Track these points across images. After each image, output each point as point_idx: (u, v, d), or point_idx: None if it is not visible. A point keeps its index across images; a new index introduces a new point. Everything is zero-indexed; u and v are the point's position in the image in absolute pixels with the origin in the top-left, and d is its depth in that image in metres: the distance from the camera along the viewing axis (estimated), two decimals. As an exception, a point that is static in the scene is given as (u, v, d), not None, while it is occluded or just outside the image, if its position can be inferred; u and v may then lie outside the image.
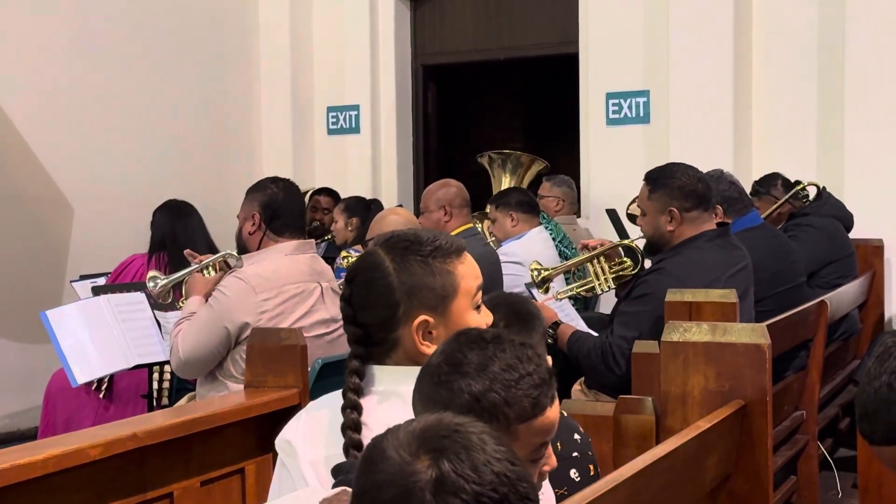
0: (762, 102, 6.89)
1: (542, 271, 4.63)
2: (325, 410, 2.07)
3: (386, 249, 2.10)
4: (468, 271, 2.12)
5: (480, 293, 2.15)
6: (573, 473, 2.41)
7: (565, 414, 2.55)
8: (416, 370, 1.85)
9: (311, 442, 2.04)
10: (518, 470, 1.39)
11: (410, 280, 2.05)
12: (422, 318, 2.05)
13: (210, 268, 4.40)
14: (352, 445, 1.95)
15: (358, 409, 2.00)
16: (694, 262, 3.90)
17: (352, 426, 1.97)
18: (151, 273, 4.49)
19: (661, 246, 4.07)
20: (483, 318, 2.15)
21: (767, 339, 2.56)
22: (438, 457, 1.36)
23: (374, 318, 2.07)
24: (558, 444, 2.43)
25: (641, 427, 2.65)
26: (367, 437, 1.88)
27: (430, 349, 2.02)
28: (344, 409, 1.99)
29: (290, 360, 2.93)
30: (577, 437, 2.48)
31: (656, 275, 3.92)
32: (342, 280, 4.73)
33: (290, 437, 2.06)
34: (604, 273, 4.49)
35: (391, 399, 2.03)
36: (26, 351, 6.64)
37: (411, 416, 1.73)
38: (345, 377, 2.06)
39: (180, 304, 4.44)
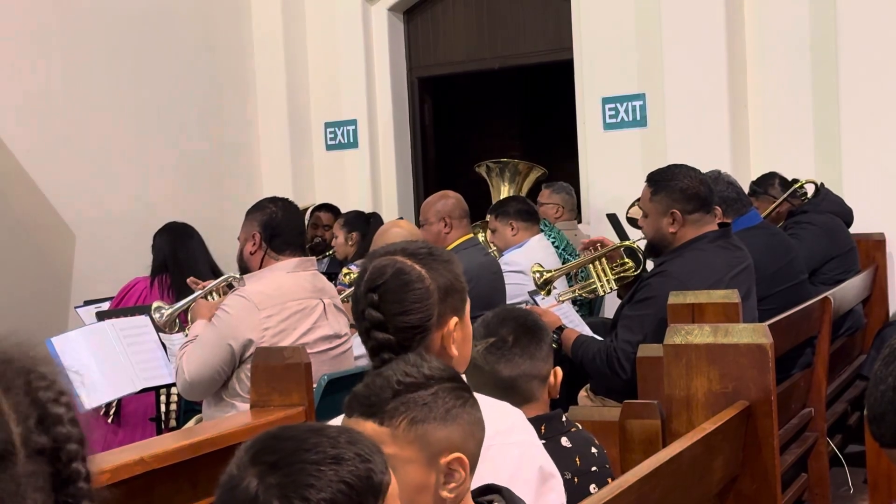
0: (757, 101, 6.90)
1: (544, 273, 4.64)
2: None
3: (407, 256, 2.15)
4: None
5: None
6: (592, 488, 2.41)
7: (580, 427, 2.55)
8: None
9: None
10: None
11: (444, 283, 2.12)
12: (454, 320, 2.12)
13: (214, 292, 4.42)
14: None
15: None
16: (696, 263, 3.91)
17: None
18: (156, 304, 4.51)
19: (662, 247, 4.08)
20: None
21: (769, 338, 2.56)
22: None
23: (412, 322, 2.10)
24: (577, 458, 2.43)
25: (647, 431, 2.65)
26: None
27: (455, 352, 2.12)
28: None
29: (294, 379, 2.93)
30: (594, 450, 2.48)
31: (659, 277, 3.93)
32: (348, 292, 4.76)
33: None
34: (605, 274, 4.50)
35: None
36: (33, 378, 6.63)
37: None
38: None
39: (187, 330, 4.45)
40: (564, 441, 2.46)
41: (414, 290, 2.11)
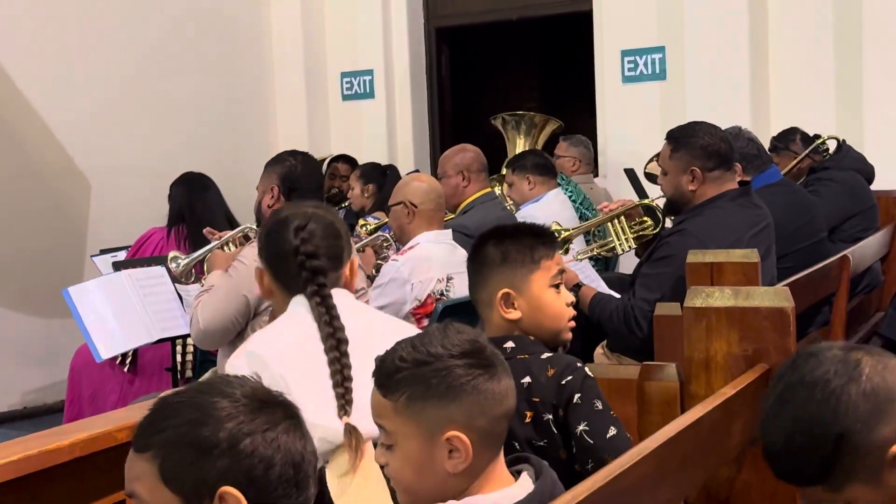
0: (779, 56, 6.82)
1: (562, 232, 4.61)
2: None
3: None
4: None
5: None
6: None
7: (531, 356, 2.49)
8: None
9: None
10: None
11: None
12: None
13: (230, 243, 4.40)
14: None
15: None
16: (716, 222, 3.87)
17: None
18: (173, 253, 4.50)
19: (682, 206, 4.04)
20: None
21: (791, 301, 2.54)
22: None
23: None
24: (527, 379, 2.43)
25: (665, 393, 2.64)
26: None
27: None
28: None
29: (311, 335, 2.92)
30: (526, 380, 2.42)
31: (678, 236, 3.89)
32: (364, 241, 4.77)
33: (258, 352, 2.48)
34: (624, 233, 4.47)
35: None
36: (49, 326, 6.68)
37: None
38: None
39: (203, 280, 4.45)
40: None
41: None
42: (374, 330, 2.57)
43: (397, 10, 8.26)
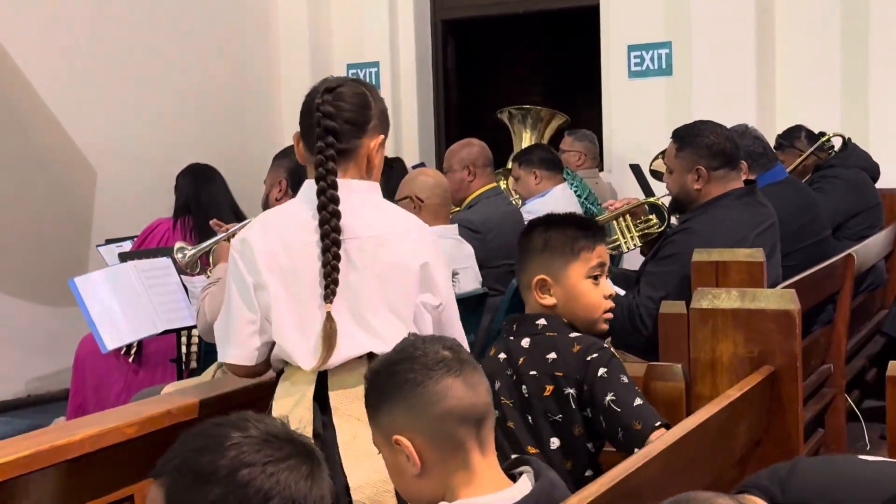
0: (786, 52, 6.82)
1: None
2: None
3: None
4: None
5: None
6: (523, 389, 2.51)
7: (557, 335, 2.56)
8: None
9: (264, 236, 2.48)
10: None
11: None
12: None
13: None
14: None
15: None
16: (721, 221, 3.88)
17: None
18: (179, 244, 4.49)
19: (687, 204, 4.05)
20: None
21: (797, 304, 2.55)
22: None
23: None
24: (521, 358, 2.53)
25: (671, 394, 2.66)
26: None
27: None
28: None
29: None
30: (551, 356, 2.50)
31: (683, 234, 3.90)
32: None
33: (246, 235, 2.52)
34: (629, 230, 4.48)
35: None
36: (54, 314, 6.69)
37: None
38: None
39: (209, 272, 4.46)
40: (525, 342, 2.55)
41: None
42: (388, 234, 2.53)
43: (403, 2, 8.26)
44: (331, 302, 2.42)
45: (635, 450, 2.38)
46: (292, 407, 2.45)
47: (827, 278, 4.28)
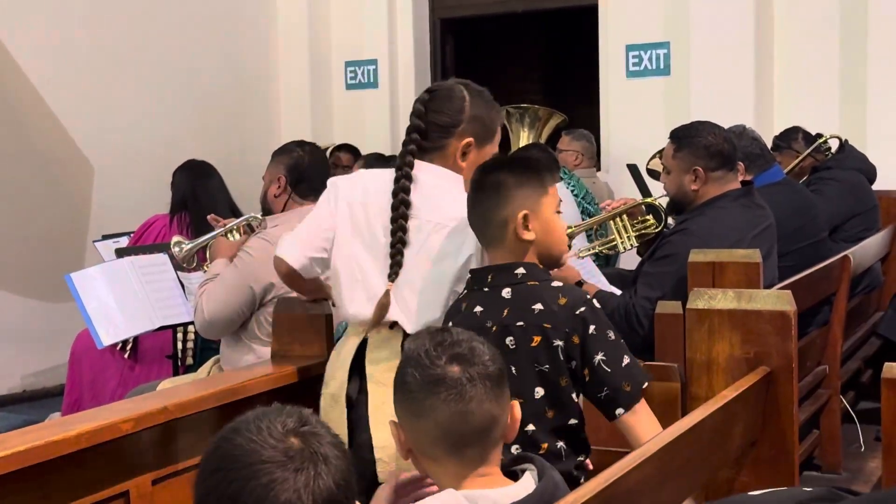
0: (784, 53, 6.82)
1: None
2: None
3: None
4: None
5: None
6: (508, 341, 2.51)
7: (541, 283, 2.57)
8: None
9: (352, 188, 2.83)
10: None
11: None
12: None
13: (234, 231, 4.42)
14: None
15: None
16: (718, 222, 3.88)
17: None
18: (176, 238, 4.51)
19: (684, 205, 4.05)
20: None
21: (793, 305, 2.56)
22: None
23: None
24: (506, 310, 2.53)
25: (667, 394, 2.67)
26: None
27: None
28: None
29: (316, 330, 2.95)
30: (537, 306, 2.50)
31: (680, 235, 3.90)
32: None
33: (338, 180, 2.91)
34: (626, 230, 4.47)
35: None
36: (51, 309, 6.69)
37: None
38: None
39: (205, 267, 4.46)
40: (505, 292, 2.53)
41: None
42: (447, 222, 2.74)
43: (402, 0, 8.25)
44: (393, 281, 2.71)
45: (618, 411, 2.47)
46: (334, 372, 2.77)
47: (823, 280, 4.29)
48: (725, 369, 2.58)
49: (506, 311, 2.52)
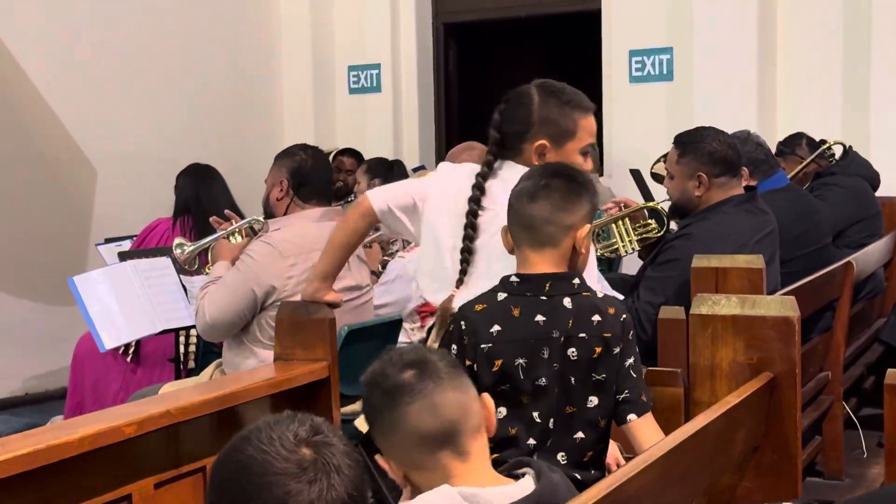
0: (787, 59, 6.82)
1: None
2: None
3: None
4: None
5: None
6: (570, 352, 2.52)
7: (595, 292, 2.60)
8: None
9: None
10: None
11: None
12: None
13: (236, 234, 4.42)
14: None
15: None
16: (721, 227, 3.88)
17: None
18: (178, 240, 4.51)
19: (687, 210, 4.05)
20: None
21: (797, 311, 2.56)
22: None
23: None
24: (571, 321, 2.51)
25: (671, 399, 2.67)
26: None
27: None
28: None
29: (319, 333, 2.95)
30: (596, 318, 2.52)
31: (683, 240, 3.90)
32: (373, 237, 4.80)
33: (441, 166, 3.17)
34: (628, 234, 4.48)
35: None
36: (53, 312, 6.69)
37: None
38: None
39: (207, 269, 4.46)
40: (566, 301, 2.52)
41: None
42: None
43: (405, 4, 8.26)
44: (458, 287, 2.84)
45: (629, 416, 2.50)
46: None
47: (826, 285, 4.29)
48: (728, 375, 2.58)
49: (570, 321, 2.51)
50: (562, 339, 2.49)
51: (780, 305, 2.57)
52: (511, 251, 2.65)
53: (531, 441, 2.47)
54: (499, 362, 2.47)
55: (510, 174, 2.84)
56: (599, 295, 2.59)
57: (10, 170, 6.69)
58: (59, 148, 6.99)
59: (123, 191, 7.15)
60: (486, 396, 1.99)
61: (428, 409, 1.87)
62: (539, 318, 2.51)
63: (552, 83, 3.02)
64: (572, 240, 2.55)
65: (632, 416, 2.51)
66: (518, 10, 8.21)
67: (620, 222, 4.47)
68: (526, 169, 2.78)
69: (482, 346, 2.47)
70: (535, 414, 2.48)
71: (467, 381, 1.95)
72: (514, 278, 2.57)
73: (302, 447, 1.50)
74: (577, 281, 2.56)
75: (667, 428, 2.48)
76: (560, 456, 2.40)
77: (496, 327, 2.50)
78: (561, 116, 2.93)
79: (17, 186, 6.74)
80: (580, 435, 2.49)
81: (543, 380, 2.49)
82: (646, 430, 2.50)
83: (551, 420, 2.50)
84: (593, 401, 2.51)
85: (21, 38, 6.75)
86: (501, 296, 2.55)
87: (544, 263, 2.56)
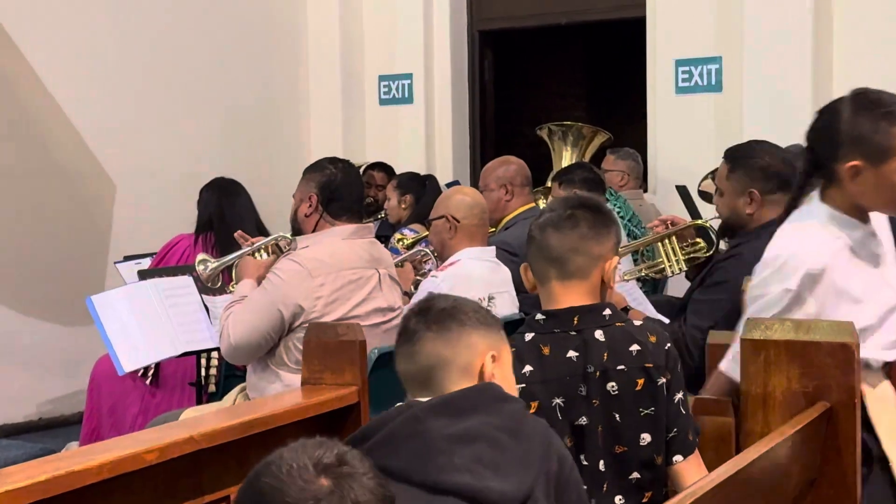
0: (844, 69, 6.77)
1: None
2: None
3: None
4: None
5: None
6: (610, 386, 2.51)
7: (630, 321, 2.61)
8: None
9: None
10: None
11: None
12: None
13: (262, 251, 4.43)
14: None
15: None
16: (773, 247, 3.86)
17: None
18: (201, 256, 4.53)
19: (737, 228, 4.03)
20: None
21: (855, 337, 2.53)
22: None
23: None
24: (605, 353, 2.52)
25: (720, 429, 2.65)
26: None
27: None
28: None
29: (348, 357, 2.95)
30: (634, 348, 2.53)
31: (733, 260, 3.89)
32: (403, 256, 4.79)
33: None
34: (675, 254, 4.47)
35: None
36: (70, 333, 6.73)
37: None
38: None
39: (230, 288, 4.48)
40: (598, 334, 2.52)
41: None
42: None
43: (440, 10, 8.25)
44: None
45: (676, 458, 2.53)
46: None
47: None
48: (782, 404, 2.56)
49: (605, 354, 2.51)
50: (597, 373, 2.49)
51: (837, 330, 2.54)
52: (532, 289, 2.65)
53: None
54: (535, 404, 2.45)
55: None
56: (637, 323, 2.59)
57: (28, 185, 6.75)
58: (78, 163, 7.05)
59: (144, 207, 7.20)
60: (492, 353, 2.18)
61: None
62: (571, 353, 2.51)
63: (868, 92, 2.89)
64: (601, 272, 2.57)
65: (678, 458, 2.52)
66: (558, 18, 8.20)
67: (667, 241, 4.47)
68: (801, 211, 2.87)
69: (516, 386, 2.46)
70: (581, 457, 2.47)
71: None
72: (539, 316, 2.57)
73: (321, 477, 1.50)
74: (607, 312, 2.56)
75: (716, 460, 2.46)
76: (618, 499, 2.40)
77: (528, 368, 2.49)
78: (875, 133, 2.77)
79: (35, 202, 6.79)
80: (636, 476, 2.49)
81: (584, 419, 2.48)
82: (692, 473, 2.52)
83: (601, 462, 2.49)
84: (646, 438, 2.50)
85: (42, 51, 6.82)
86: (529, 336, 2.55)
87: (571, 297, 2.56)
